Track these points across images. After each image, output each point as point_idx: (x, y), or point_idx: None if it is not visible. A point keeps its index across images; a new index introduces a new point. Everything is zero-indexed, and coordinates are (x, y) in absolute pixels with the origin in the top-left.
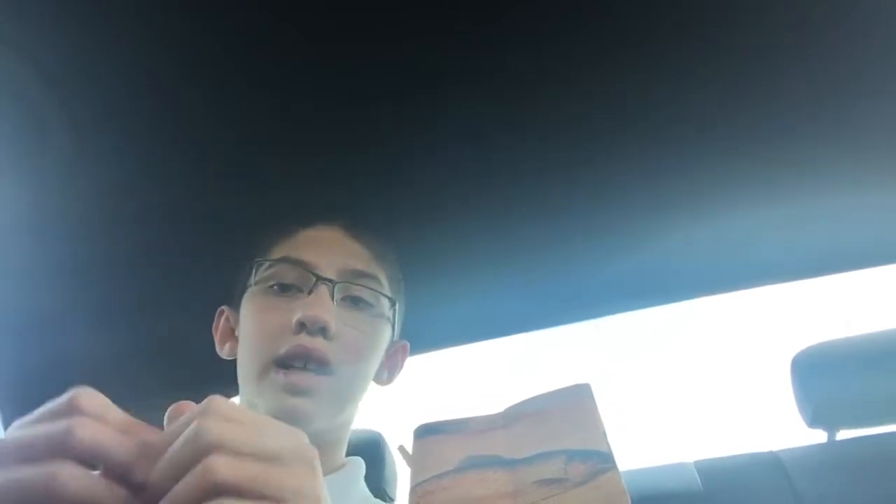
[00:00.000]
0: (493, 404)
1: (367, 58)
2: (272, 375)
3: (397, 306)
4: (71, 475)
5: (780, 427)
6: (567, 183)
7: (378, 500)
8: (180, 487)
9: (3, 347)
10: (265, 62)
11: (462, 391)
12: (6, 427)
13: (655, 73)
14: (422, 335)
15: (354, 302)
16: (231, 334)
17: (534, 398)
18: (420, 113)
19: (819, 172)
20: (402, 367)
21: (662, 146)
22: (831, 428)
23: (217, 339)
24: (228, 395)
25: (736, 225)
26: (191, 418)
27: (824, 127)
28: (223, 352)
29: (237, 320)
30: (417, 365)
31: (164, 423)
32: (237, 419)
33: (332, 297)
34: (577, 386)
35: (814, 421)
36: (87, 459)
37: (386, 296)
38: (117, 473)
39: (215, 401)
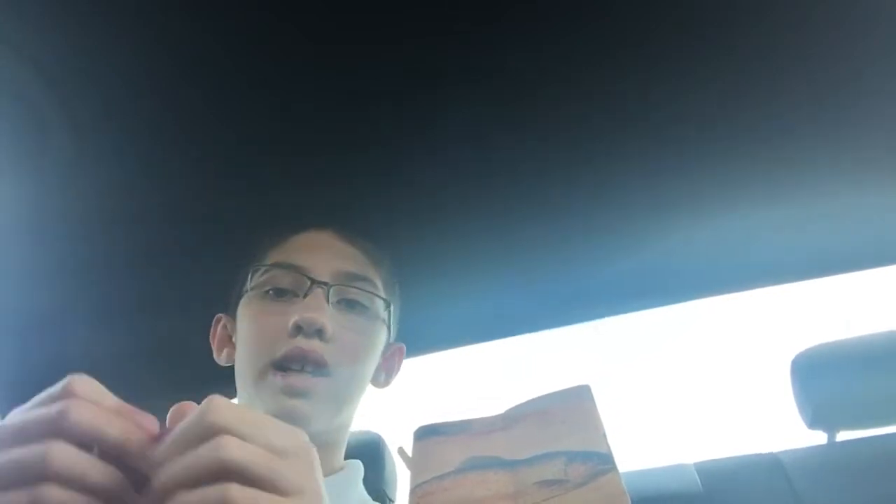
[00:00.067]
0: (493, 406)
1: (367, 58)
2: (270, 378)
3: (392, 308)
4: (63, 453)
5: (781, 428)
6: (567, 183)
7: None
8: (187, 460)
9: (3, 347)
10: (265, 62)
11: (462, 393)
12: None
13: (655, 73)
14: (422, 336)
15: (350, 304)
16: (228, 341)
17: (534, 399)
18: (420, 113)
19: (819, 172)
20: (399, 369)
21: (662, 146)
22: (831, 429)
23: (215, 346)
24: (228, 396)
25: (736, 225)
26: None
27: (824, 127)
28: (221, 359)
29: (234, 327)
30: (417, 366)
31: (167, 424)
32: (242, 412)
33: (328, 300)
34: (577, 387)
35: (814, 422)
36: (81, 440)
37: (381, 297)
38: (112, 455)
39: (217, 398)
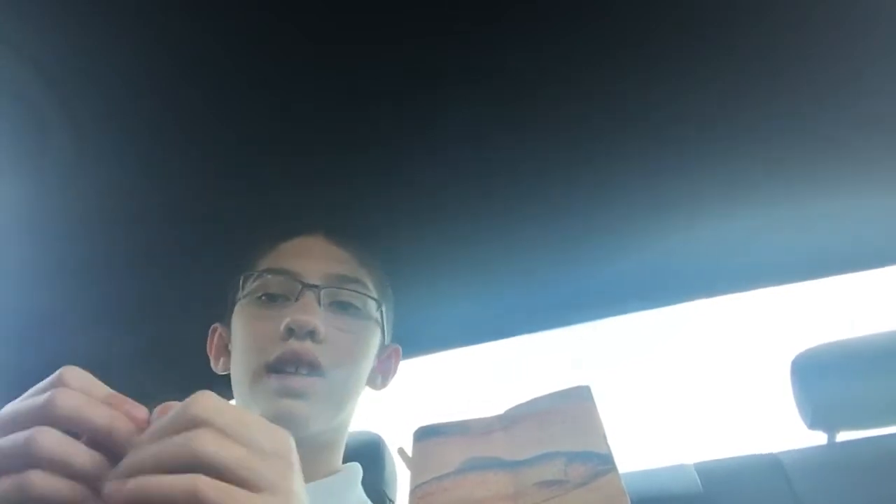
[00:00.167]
0: (493, 406)
1: (367, 58)
2: (264, 380)
3: (384, 308)
4: (48, 439)
5: (781, 429)
6: (567, 183)
7: None
8: (160, 446)
9: (3, 347)
10: (265, 62)
11: (462, 393)
12: None
13: (655, 73)
14: (422, 336)
15: (342, 306)
16: (225, 350)
17: (534, 400)
18: (420, 113)
19: (819, 172)
20: (395, 371)
21: (662, 146)
22: (831, 429)
23: (212, 355)
24: (227, 398)
25: (736, 225)
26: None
27: (824, 127)
28: (218, 367)
29: (229, 336)
30: (417, 366)
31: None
32: (226, 408)
33: (319, 303)
34: (577, 388)
35: (814, 422)
36: (68, 427)
37: (373, 298)
38: (98, 442)
39: (206, 393)
